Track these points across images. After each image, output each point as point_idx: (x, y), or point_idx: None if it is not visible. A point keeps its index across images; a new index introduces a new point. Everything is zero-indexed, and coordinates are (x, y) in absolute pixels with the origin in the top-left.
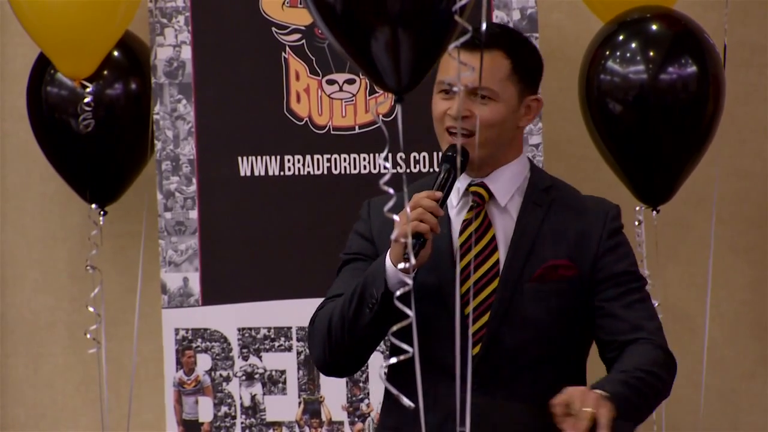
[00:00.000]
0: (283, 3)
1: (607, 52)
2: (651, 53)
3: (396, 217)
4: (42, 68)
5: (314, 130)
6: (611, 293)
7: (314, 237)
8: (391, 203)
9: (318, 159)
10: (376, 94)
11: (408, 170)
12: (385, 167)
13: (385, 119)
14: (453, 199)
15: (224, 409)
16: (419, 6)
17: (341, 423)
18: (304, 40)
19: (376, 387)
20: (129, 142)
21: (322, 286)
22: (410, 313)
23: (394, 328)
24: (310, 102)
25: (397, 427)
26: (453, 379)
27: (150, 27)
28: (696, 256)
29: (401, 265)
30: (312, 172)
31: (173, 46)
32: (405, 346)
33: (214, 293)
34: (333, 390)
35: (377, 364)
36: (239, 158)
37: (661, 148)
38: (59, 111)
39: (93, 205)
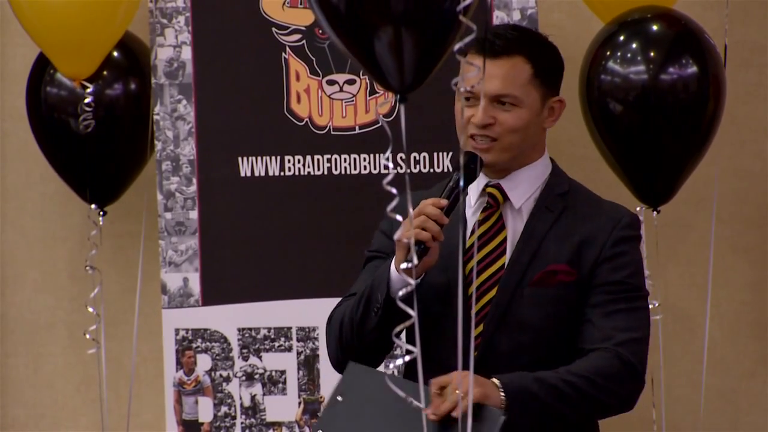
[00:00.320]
0: (284, 3)
1: (608, 53)
2: (651, 53)
3: (399, 218)
4: (42, 68)
5: (314, 130)
6: (596, 300)
7: (314, 237)
8: (393, 203)
9: (318, 159)
10: (377, 95)
11: (408, 170)
12: (386, 167)
13: (385, 119)
14: (471, 198)
15: (224, 409)
16: (423, 6)
17: None
18: (304, 41)
19: None
20: (129, 142)
21: (323, 287)
22: (413, 313)
23: (397, 329)
24: (311, 102)
25: None
26: None
27: (150, 27)
28: (696, 256)
29: (403, 265)
30: (312, 173)
31: (173, 47)
32: (410, 347)
33: (214, 293)
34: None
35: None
36: (239, 158)
37: (661, 148)
38: (59, 111)
39: (93, 206)
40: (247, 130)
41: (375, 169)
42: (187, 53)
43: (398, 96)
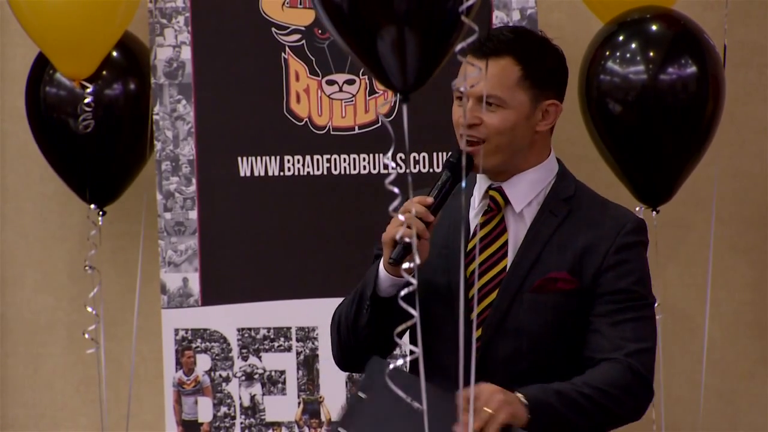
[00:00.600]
0: (283, 3)
1: (607, 53)
2: (651, 53)
3: (402, 217)
4: (41, 68)
5: (314, 130)
6: (603, 309)
7: (314, 237)
8: (396, 203)
9: (318, 159)
10: (376, 95)
11: (408, 170)
12: (385, 166)
13: (385, 120)
14: (475, 201)
15: (224, 409)
16: (426, 6)
17: None
18: (304, 41)
19: None
20: (128, 142)
21: (322, 287)
22: (414, 312)
23: (399, 329)
24: (310, 102)
25: None
26: (454, 383)
27: (150, 27)
28: (696, 256)
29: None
30: (312, 173)
31: (173, 47)
32: (412, 347)
33: (213, 293)
34: (332, 390)
35: None
36: (239, 158)
37: (660, 148)
38: (58, 111)
39: (92, 206)
40: (246, 130)
41: (374, 169)
42: (186, 53)
43: (400, 96)
